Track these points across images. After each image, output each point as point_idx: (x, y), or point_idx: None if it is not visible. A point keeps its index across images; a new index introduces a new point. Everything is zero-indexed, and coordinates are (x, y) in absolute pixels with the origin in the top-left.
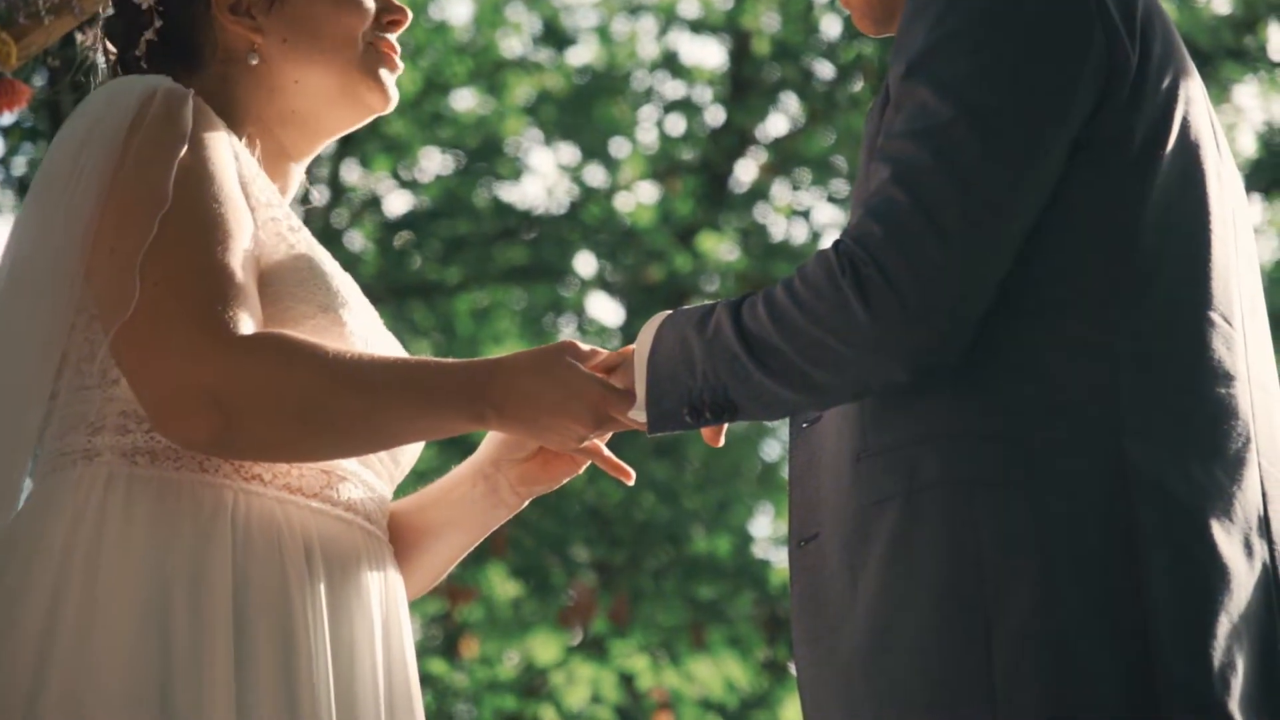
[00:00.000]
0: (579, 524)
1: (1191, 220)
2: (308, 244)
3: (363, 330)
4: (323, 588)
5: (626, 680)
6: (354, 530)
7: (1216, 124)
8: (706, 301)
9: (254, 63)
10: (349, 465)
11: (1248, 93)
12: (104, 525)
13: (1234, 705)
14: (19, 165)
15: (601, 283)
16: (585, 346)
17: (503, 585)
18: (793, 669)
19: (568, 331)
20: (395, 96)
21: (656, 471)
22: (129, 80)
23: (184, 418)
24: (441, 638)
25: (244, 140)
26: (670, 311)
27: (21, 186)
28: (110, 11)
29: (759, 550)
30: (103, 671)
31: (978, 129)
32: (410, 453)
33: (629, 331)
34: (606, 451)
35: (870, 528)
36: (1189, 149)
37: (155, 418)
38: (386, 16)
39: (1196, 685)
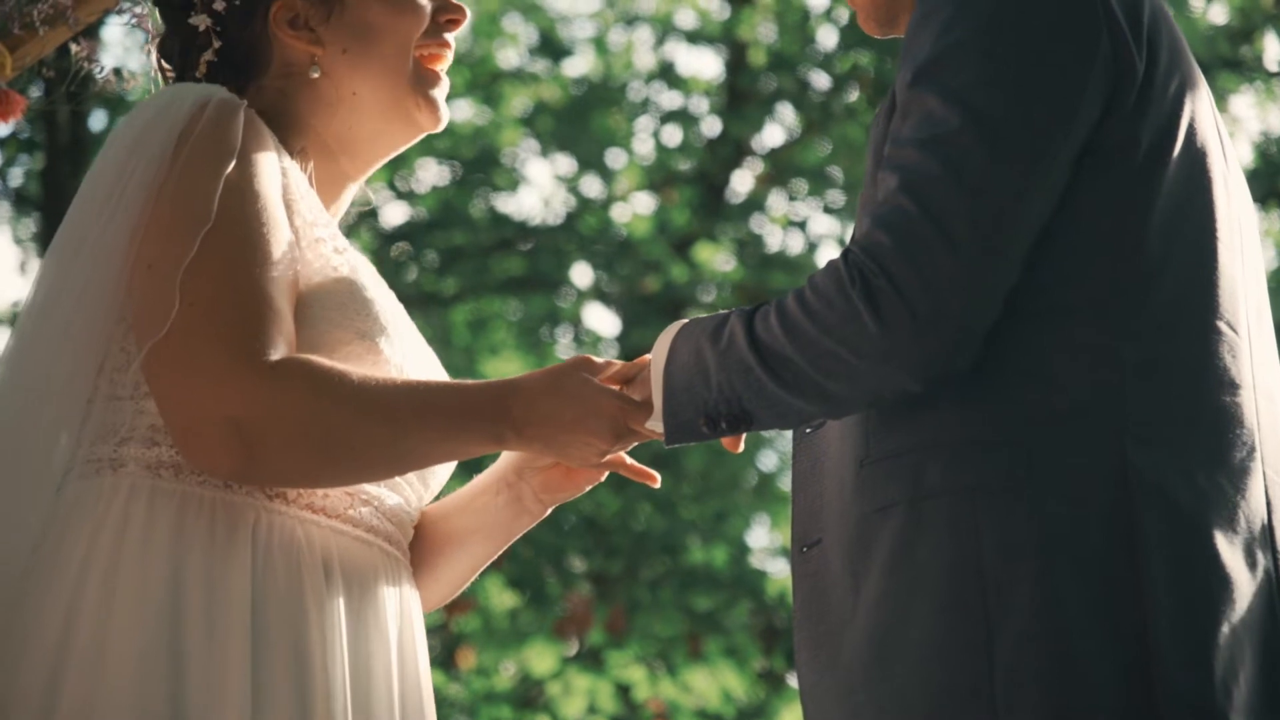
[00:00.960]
0: (575, 534)
1: (1197, 227)
2: (352, 267)
3: (400, 359)
4: (340, 605)
5: (623, 691)
6: (373, 551)
7: (1223, 132)
8: (702, 313)
9: (315, 76)
10: (373, 489)
11: (1244, 103)
12: (124, 538)
13: (1235, 713)
14: (15, 176)
15: (598, 293)
16: (599, 360)
17: (499, 596)
18: (790, 679)
19: (564, 342)
20: (446, 115)
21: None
22: (182, 89)
23: (207, 447)
24: (438, 649)
25: (296, 155)
26: (684, 322)
27: (18, 197)
28: (161, 32)
29: (756, 560)
30: (115, 685)
31: (985, 137)
32: (439, 476)
33: (625, 342)
34: (629, 459)
35: (873, 535)
36: (1195, 156)
37: (179, 442)
38: (444, 15)
39: (1197, 692)
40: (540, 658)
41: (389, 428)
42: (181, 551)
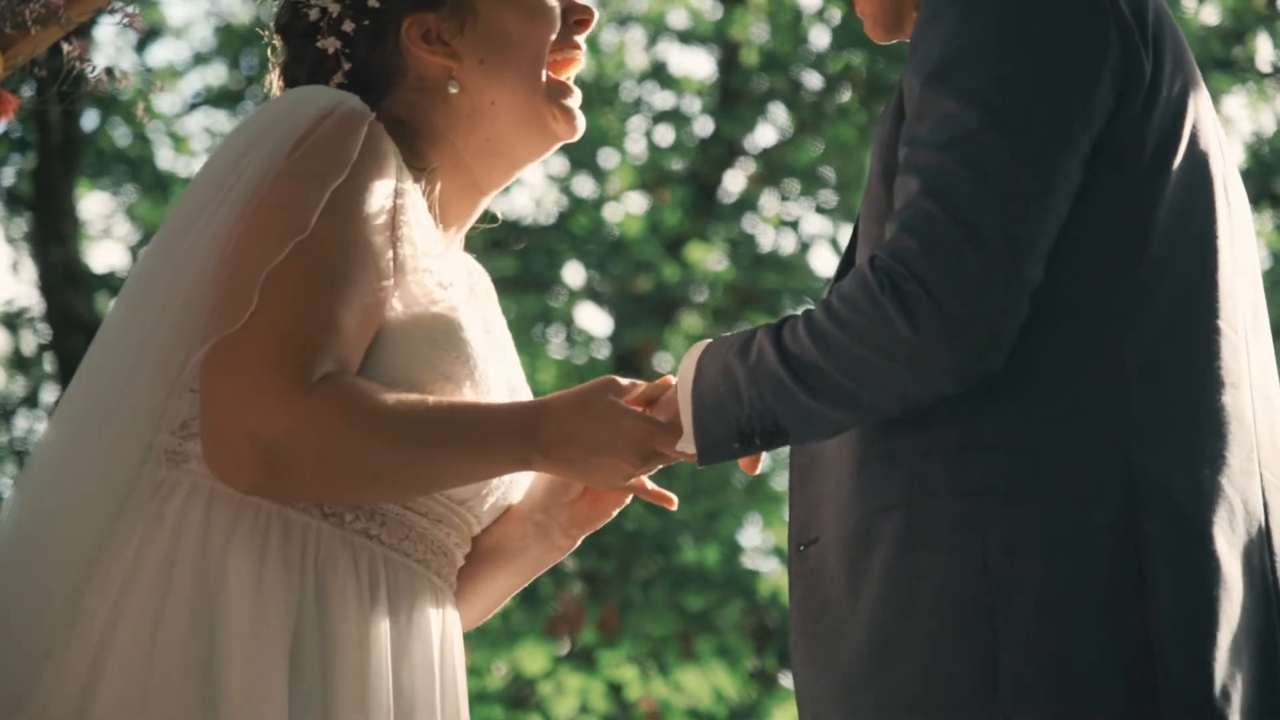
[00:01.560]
0: None
1: (1199, 229)
2: (452, 305)
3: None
4: (386, 629)
5: (615, 690)
6: (421, 580)
7: (1221, 133)
8: (695, 313)
9: (454, 90)
10: (427, 524)
11: (1236, 104)
12: (180, 539)
13: (1234, 715)
14: (7, 175)
15: (590, 293)
16: (624, 381)
17: None
18: (782, 679)
19: (556, 342)
20: (583, 125)
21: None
22: (313, 92)
23: (232, 461)
24: None
25: (428, 173)
26: (707, 341)
27: (10, 197)
28: (283, 62)
29: (747, 560)
30: (155, 687)
31: (1005, 136)
32: (491, 512)
33: (618, 342)
34: (648, 483)
35: (873, 534)
36: (1198, 158)
37: (204, 445)
38: (574, 16)
39: (1198, 695)
40: (532, 657)
41: (415, 454)
42: (234, 560)
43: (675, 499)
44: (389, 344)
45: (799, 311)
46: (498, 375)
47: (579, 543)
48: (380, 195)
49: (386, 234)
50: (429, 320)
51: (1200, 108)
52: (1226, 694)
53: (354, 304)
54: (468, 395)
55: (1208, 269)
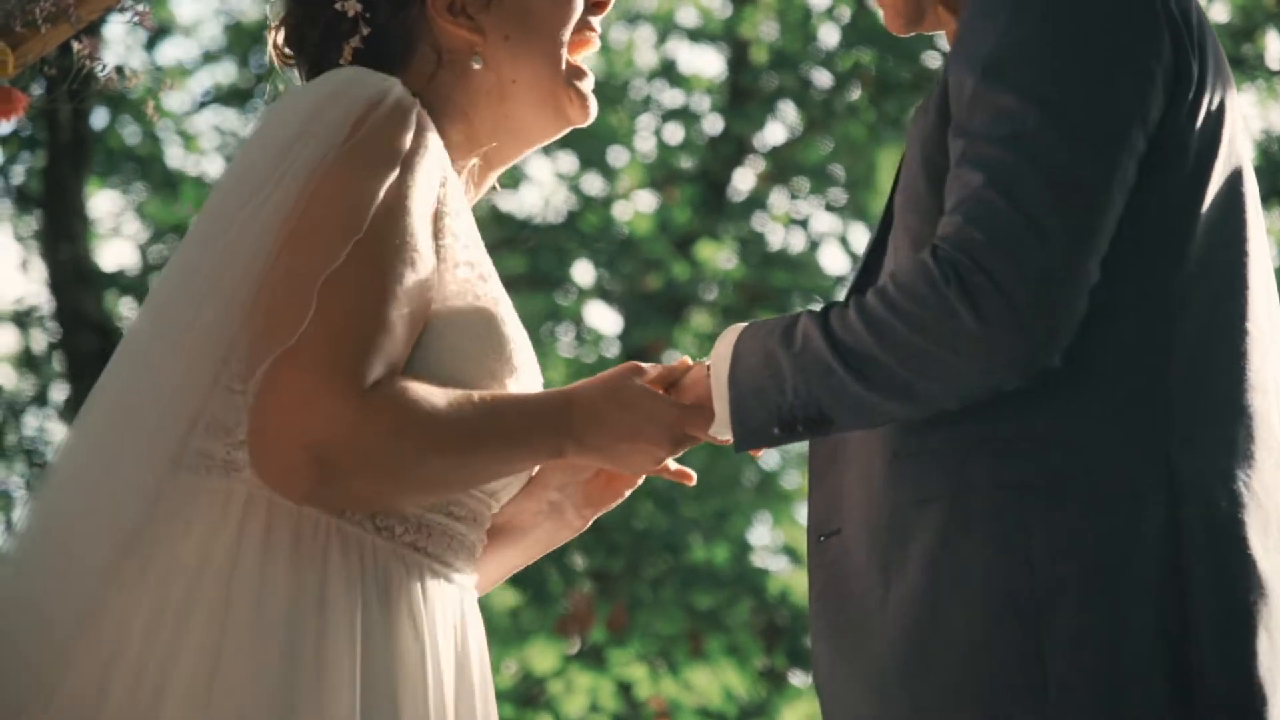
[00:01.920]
0: None
1: (1233, 233)
2: (493, 298)
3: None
4: (441, 642)
5: (624, 689)
6: (455, 589)
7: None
8: (704, 311)
9: (478, 66)
10: (464, 529)
11: (1246, 101)
12: (240, 551)
13: (1272, 716)
14: (17, 174)
15: (600, 291)
16: (647, 365)
17: (500, 594)
18: (791, 678)
19: (565, 340)
20: (595, 109)
21: (654, 479)
22: (357, 75)
23: (285, 469)
24: None
25: (455, 150)
26: (743, 325)
27: (20, 195)
28: (290, 22)
29: (757, 559)
30: (223, 709)
31: (1063, 131)
32: (505, 496)
33: (627, 340)
34: (672, 464)
35: (909, 526)
36: (1235, 164)
37: (254, 455)
38: None
39: (1236, 696)
40: (542, 656)
41: (460, 455)
42: (297, 577)
43: (694, 475)
44: (433, 339)
45: (820, 303)
46: (533, 364)
47: (590, 523)
48: (428, 188)
49: (431, 227)
50: (472, 315)
51: (1235, 113)
52: (1264, 695)
53: (404, 304)
54: (510, 389)
55: (1240, 273)
